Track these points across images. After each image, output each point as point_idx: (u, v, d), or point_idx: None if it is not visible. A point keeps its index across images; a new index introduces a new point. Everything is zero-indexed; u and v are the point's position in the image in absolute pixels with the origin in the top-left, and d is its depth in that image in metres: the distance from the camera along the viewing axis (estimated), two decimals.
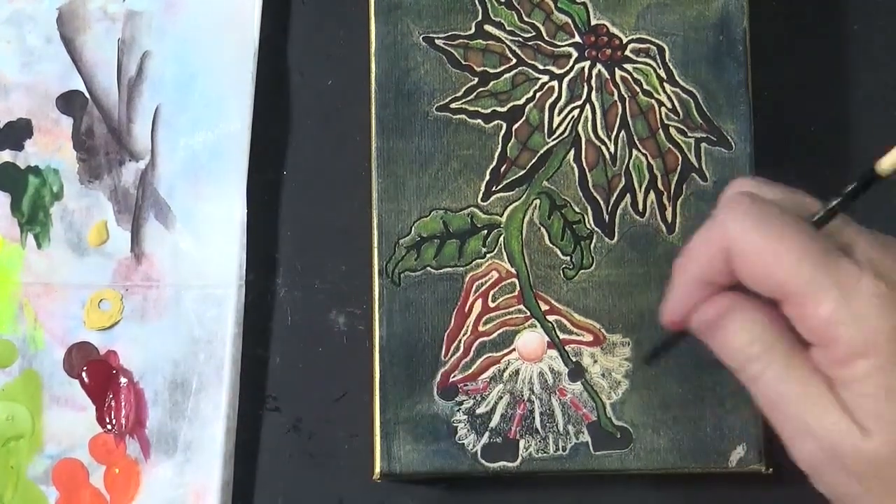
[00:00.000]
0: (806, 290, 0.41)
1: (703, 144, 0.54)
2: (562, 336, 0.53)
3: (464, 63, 0.54)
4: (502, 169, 0.53)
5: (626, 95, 0.54)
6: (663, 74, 0.54)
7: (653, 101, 0.54)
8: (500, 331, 0.53)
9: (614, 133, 0.54)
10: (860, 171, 0.43)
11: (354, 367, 0.55)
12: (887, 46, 0.58)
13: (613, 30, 0.54)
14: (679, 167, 0.54)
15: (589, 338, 0.53)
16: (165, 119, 0.57)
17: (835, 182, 0.57)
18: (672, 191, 0.53)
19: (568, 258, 0.53)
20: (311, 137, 0.57)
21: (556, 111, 0.54)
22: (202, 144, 0.56)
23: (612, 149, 0.54)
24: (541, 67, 0.54)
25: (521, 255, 0.53)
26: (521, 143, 0.54)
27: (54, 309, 0.56)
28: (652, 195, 0.53)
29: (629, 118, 0.54)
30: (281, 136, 0.57)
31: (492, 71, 0.54)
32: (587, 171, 0.54)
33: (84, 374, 0.55)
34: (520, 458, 0.52)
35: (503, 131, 0.54)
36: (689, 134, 0.54)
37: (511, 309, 0.53)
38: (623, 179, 0.54)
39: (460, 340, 0.53)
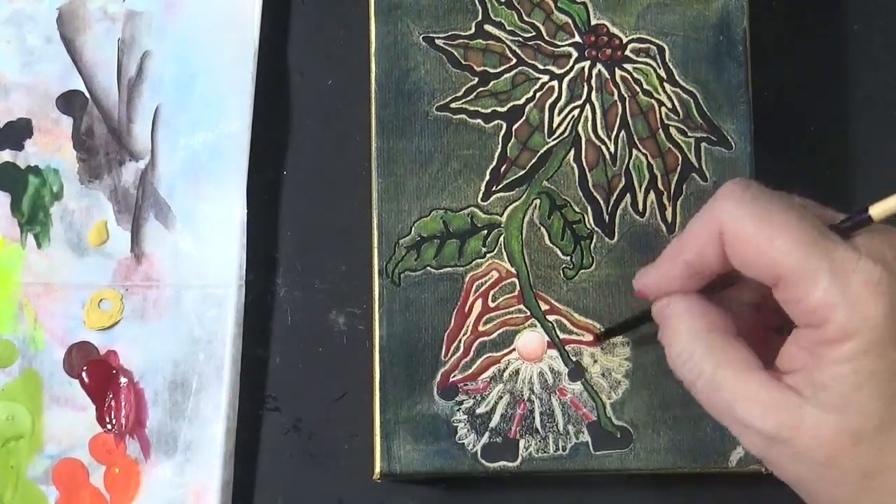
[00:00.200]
0: (800, 272, 0.41)
1: (703, 144, 0.54)
2: (562, 336, 0.53)
3: (464, 63, 0.54)
4: (502, 169, 0.53)
5: (626, 95, 0.54)
6: (663, 74, 0.54)
7: (653, 100, 0.54)
8: (500, 331, 0.53)
9: (614, 133, 0.54)
10: (855, 209, 0.43)
11: (354, 367, 0.55)
12: (887, 46, 0.58)
13: (613, 30, 0.54)
14: (679, 167, 0.54)
15: (589, 338, 0.53)
16: (165, 119, 0.57)
17: (835, 182, 0.57)
18: (672, 191, 0.53)
19: (568, 258, 0.53)
20: (311, 137, 0.57)
21: (556, 111, 0.54)
22: (202, 144, 0.56)
23: (612, 149, 0.54)
24: (541, 67, 0.54)
25: (521, 255, 0.53)
26: (521, 143, 0.54)
27: (54, 309, 0.56)
28: (652, 195, 0.53)
29: (629, 118, 0.54)
30: (281, 136, 0.57)
31: (492, 71, 0.54)
32: (587, 170, 0.54)
33: (84, 374, 0.55)
34: (520, 458, 0.52)
35: (503, 131, 0.54)
36: (689, 134, 0.54)
37: (511, 309, 0.53)
38: (623, 179, 0.54)
39: (460, 340, 0.53)
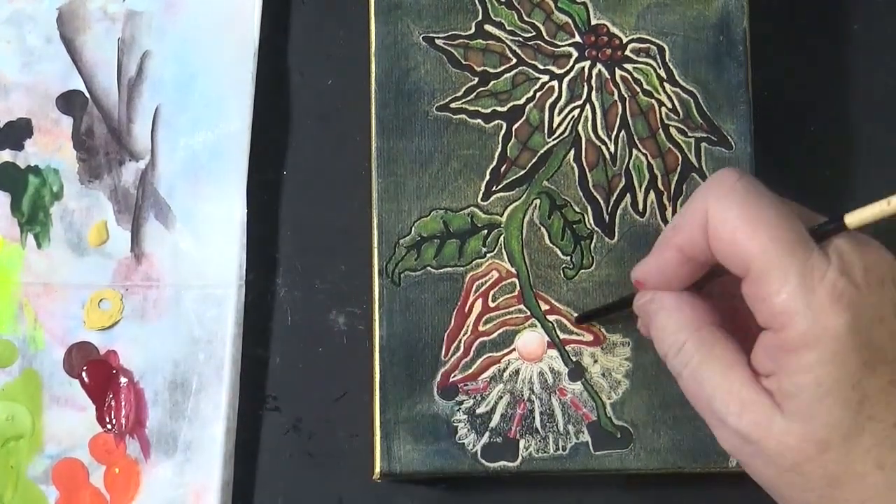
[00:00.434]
0: (770, 271, 0.42)
1: (704, 144, 0.54)
2: (562, 336, 0.53)
3: (464, 63, 0.54)
4: (502, 169, 0.53)
5: (626, 95, 0.54)
6: (663, 74, 0.54)
7: (653, 100, 0.54)
8: (501, 331, 0.53)
9: (614, 133, 0.54)
10: (832, 215, 0.43)
11: (354, 367, 0.55)
12: (887, 46, 0.58)
13: (613, 30, 0.54)
14: (679, 167, 0.54)
15: (589, 337, 0.53)
16: (165, 119, 0.57)
17: (834, 182, 0.57)
18: (672, 191, 0.53)
19: (568, 258, 0.53)
20: (311, 137, 0.57)
21: (557, 111, 0.54)
22: (202, 144, 0.56)
23: (612, 149, 0.54)
24: (541, 67, 0.54)
25: (521, 255, 0.53)
26: (521, 143, 0.54)
27: (54, 309, 0.56)
28: (652, 195, 0.53)
29: (629, 118, 0.54)
30: (281, 136, 0.57)
31: (492, 71, 0.54)
32: (587, 170, 0.54)
33: (84, 374, 0.55)
34: (520, 458, 0.52)
35: (503, 131, 0.54)
36: (690, 134, 0.54)
37: (511, 309, 0.53)
38: (623, 179, 0.54)
39: (460, 340, 0.53)
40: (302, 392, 0.56)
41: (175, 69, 0.57)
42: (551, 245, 0.53)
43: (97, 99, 0.57)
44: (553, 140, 0.54)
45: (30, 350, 0.55)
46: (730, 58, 0.54)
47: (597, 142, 0.54)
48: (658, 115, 0.54)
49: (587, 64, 0.54)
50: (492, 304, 0.53)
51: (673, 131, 0.54)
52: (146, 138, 0.57)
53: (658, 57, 0.54)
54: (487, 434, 0.52)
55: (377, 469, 0.52)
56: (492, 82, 0.54)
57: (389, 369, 0.52)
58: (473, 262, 0.53)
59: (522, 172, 0.54)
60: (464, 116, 0.54)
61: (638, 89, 0.54)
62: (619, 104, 0.54)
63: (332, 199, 0.57)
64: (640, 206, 0.53)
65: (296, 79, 0.58)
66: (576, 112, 0.54)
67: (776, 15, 0.58)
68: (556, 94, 0.54)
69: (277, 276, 0.57)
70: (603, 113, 0.54)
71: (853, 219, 0.42)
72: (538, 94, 0.54)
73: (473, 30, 0.54)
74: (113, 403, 0.55)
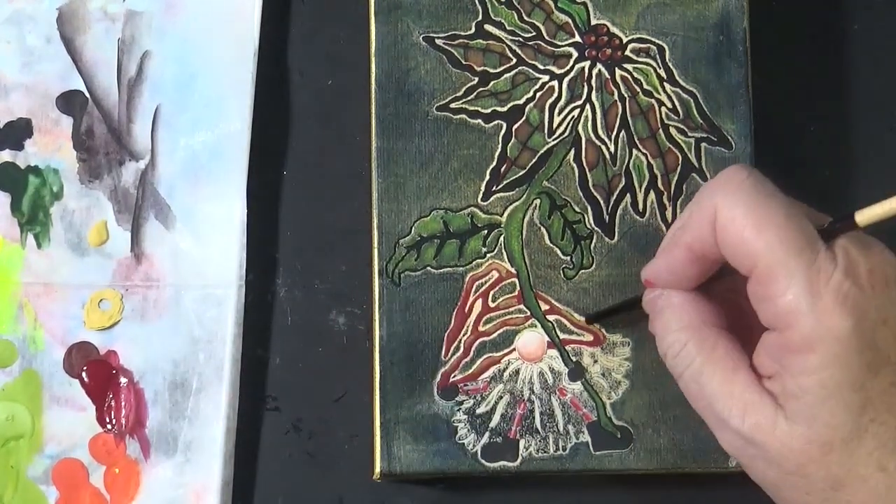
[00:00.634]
0: (776, 271, 0.41)
1: (704, 144, 0.54)
2: (562, 336, 0.53)
3: (464, 63, 0.54)
4: (502, 169, 0.53)
5: (626, 95, 0.54)
6: (663, 74, 0.54)
7: (653, 100, 0.54)
8: (501, 331, 0.53)
9: (614, 133, 0.54)
10: (842, 213, 0.43)
11: (354, 367, 0.55)
12: (887, 46, 0.58)
13: (613, 30, 0.54)
14: (679, 167, 0.54)
15: (589, 338, 0.53)
16: (165, 119, 0.57)
17: (835, 182, 0.57)
18: (672, 191, 0.53)
19: (568, 258, 0.53)
20: (311, 137, 0.57)
21: (557, 111, 0.54)
22: (202, 144, 0.56)
23: (612, 149, 0.54)
24: (541, 67, 0.54)
25: (521, 255, 0.53)
26: (521, 143, 0.54)
27: (54, 309, 0.56)
28: (652, 195, 0.53)
29: (629, 118, 0.54)
30: (281, 136, 0.57)
31: (492, 71, 0.54)
32: (587, 170, 0.54)
33: (84, 374, 0.55)
34: (520, 458, 0.52)
35: (503, 131, 0.54)
36: (690, 134, 0.54)
37: (511, 309, 0.53)
38: (623, 179, 0.54)
39: (460, 340, 0.53)
40: (302, 392, 0.56)
41: (175, 69, 0.57)
42: (551, 245, 0.53)
43: (97, 99, 0.57)
44: (553, 140, 0.54)
45: (30, 350, 0.55)
46: (730, 58, 0.54)
47: (597, 142, 0.54)
48: (658, 115, 0.54)
49: (587, 64, 0.54)
50: (492, 304, 0.53)
51: (673, 131, 0.54)
52: (146, 138, 0.57)
53: (658, 57, 0.54)
54: (487, 434, 0.52)
55: (377, 469, 0.52)
56: (492, 82, 0.54)
57: (389, 369, 0.52)
58: (473, 262, 0.53)
59: (522, 172, 0.54)
60: (464, 116, 0.54)
61: (638, 89, 0.54)
62: (619, 104, 0.54)
63: (332, 199, 0.57)
64: (640, 206, 0.53)
65: (296, 79, 0.58)
66: (576, 112, 0.54)
67: (776, 15, 0.58)
68: (556, 94, 0.54)
69: (277, 276, 0.57)
70: (603, 113, 0.54)
71: (863, 217, 0.42)
72: (538, 94, 0.54)
73: (473, 30, 0.54)
74: (113, 403, 0.55)
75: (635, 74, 0.54)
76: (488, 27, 0.54)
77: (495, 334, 0.53)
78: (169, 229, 0.56)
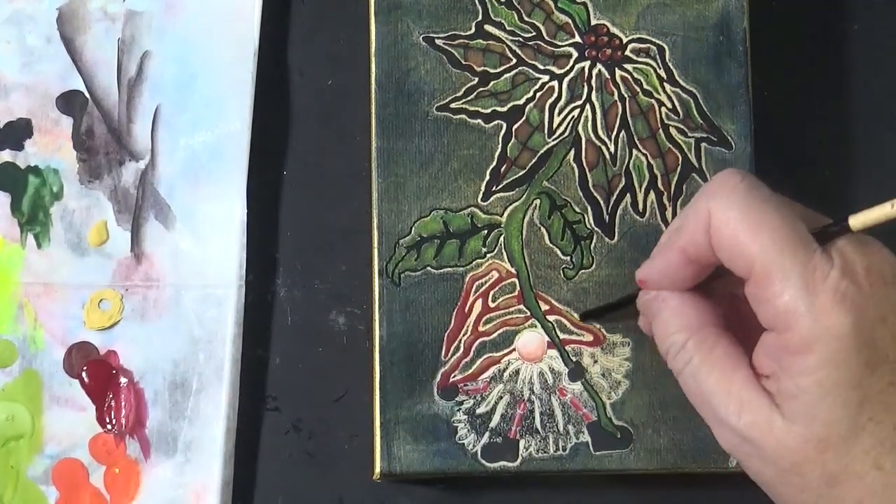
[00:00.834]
0: (772, 273, 0.42)
1: (703, 144, 0.54)
2: (562, 336, 0.53)
3: (464, 63, 0.54)
4: (502, 169, 0.53)
5: (626, 95, 0.54)
6: (663, 74, 0.54)
7: (653, 101, 0.54)
8: (501, 331, 0.53)
9: (614, 133, 0.54)
10: (836, 218, 0.43)
11: (354, 367, 0.55)
12: (887, 46, 0.58)
13: (613, 30, 0.54)
14: (679, 167, 0.54)
15: (589, 338, 0.53)
16: (165, 119, 0.57)
17: (835, 182, 0.57)
18: (672, 191, 0.53)
19: (568, 258, 0.53)
20: (311, 137, 0.57)
21: (557, 111, 0.54)
22: (202, 144, 0.56)
23: (612, 149, 0.54)
24: (541, 67, 0.54)
25: (521, 255, 0.53)
26: (521, 143, 0.54)
27: (54, 309, 0.56)
28: (652, 195, 0.53)
29: (629, 118, 0.54)
30: (281, 136, 0.57)
31: (492, 71, 0.54)
32: (587, 171, 0.54)
33: (84, 374, 0.55)
34: (520, 458, 0.52)
35: (503, 131, 0.54)
36: (690, 134, 0.54)
37: (511, 309, 0.53)
38: (623, 179, 0.54)
39: (460, 340, 0.53)
40: (302, 392, 0.56)
41: (175, 69, 0.57)
42: (551, 245, 0.53)
43: (97, 99, 0.57)
44: (553, 140, 0.54)
45: (30, 350, 0.55)
46: (730, 58, 0.54)
47: (597, 142, 0.54)
48: (658, 116, 0.54)
49: (587, 64, 0.54)
50: (492, 305, 0.53)
51: (673, 131, 0.54)
52: (146, 138, 0.57)
53: (658, 57, 0.54)
54: (487, 434, 0.52)
55: (377, 469, 0.52)
56: (492, 82, 0.54)
57: (389, 369, 0.52)
58: (473, 263, 0.53)
59: (522, 172, 0.54)
60: (464, 116, 0.54)
61: (638, 89, 0.54)
62: (619, 104, 0.54)
63: (332, 199, 0.57)
64: (640, 207, 0.53)
65: (296, 79, 0.58)
66: (576, 112, 0.54)
67: (776, 15, 0.58)
68: (556, 95, 0.54)
69: (277, 276, 0.57)
70: (603, 113, 0.54)
71: (857, 221, 0.42)
72: (538, 94, 0.54)
73: (473, 30, 0.54)
74: (113, 403, 0.55)
75: (635, 74, 0.54)
76: (488, 27, 0.54)
77: (495, 334, 0.53)
78: (169, 229, 0.56)
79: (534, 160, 0.54)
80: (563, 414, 0.52)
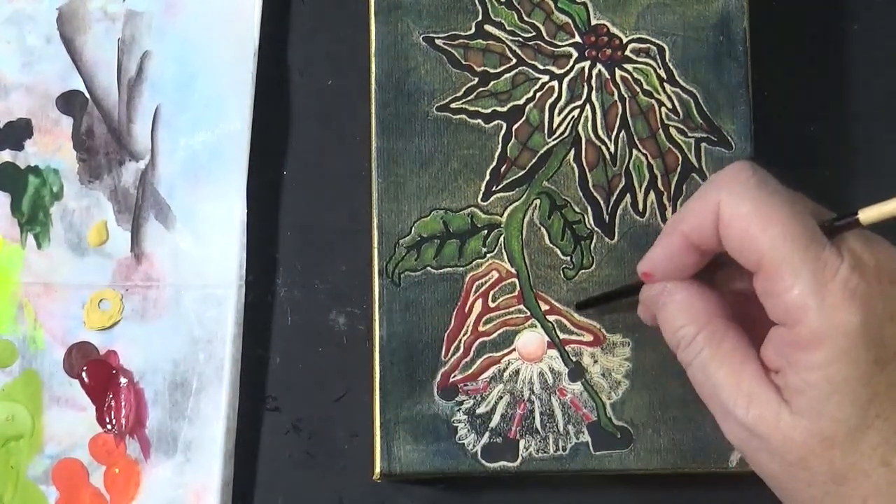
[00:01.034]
0: (782, 267, 0.42)
1: (704, 144, 0.54)
2: (562, 336, 0.53)
3: (464, 63, 0.54)
4: (502, 169, 0.53)
5: (626, 95, 0.54)
6: (663, 74, 0.54)
7: (653, 101, 0.54)
8: (501, 331, 0.53)
9: (614, 133, 0.54)
10: (843, 212, 0.43)
11: (354, 367, 0.55)
12: (887, 46, 0.58)
13: (613, 30, 0.54)
14: (679, 167, 0.54)
15: (589, 338, 0.53)
16: (165, 119, 0.57)
17: (835, 182, 0.57)
18: (672, 191, 0.53)
19: (568, 258, 0.53)
20: (311, 137, 0.57)
21: (557, 111, 0.54)
22: (202, 144, 0.56)
23: (612, 149, 0.54)
24: (541, 67, 0.54)
25: (521, 255, 0.53)
26: (521, 143, 0.54)
27: (54, 309, 0.56)
28: (652, 195, 0.53)
29: (629, 118, 0.54)
30: (281, 136, 0.57)
31: (492, 71, 0.54)
32: (587, 171, 0.54)
33: (84, 374, 0.55)
34: (520, 458, 0.52)
35: (503, 131, 0.54)
36: (690, 134, 0.54)
37: (511, 309, 0.53)
38: (623, 179, 0.54)
39: (460, 340, 0.53)
40: (302, 392, 0.56)
41: (175, 69, 0.57)
42: (551, 245, 0.53)
43: (97, 99, 0.57)
44: (553, 140, 0.54)
45: (30, 350, 0.55)
46: (730, 58, 0.54)
47: (597, 142, 0.54)
48: (658, 116, 0.54)
49: (587, 64, 0.54)
50: (492, 305, 0.53)
51: (673, 131, 0.54)
52: (146, 138, 0.57)
53: (658, 57, 0.54)
54: (487, 434, 0.52)
55: (377, 469, 0.52)
56: (492, 82, 0.54)
57: (389, 369, 0.52)
58: (473, 263, 0.53)
59: (522, 172, 0.54)
60: (464, 116, 0.54)
61: (638, 89, 0.54)
62: (619, 104, 0.54)
63: (332, 199, 0.57)
64: (640, 207, 0.53)
65: (296, 79, 0.58)
66: (576, 112, 0.54)
67: (776, 15, 0.58)
68: (556, 95, 0.54)
69: (277, 276, 0.57)
70: (603, 113, 0.54)
71: (867, 215, 0.42)
72: (538, 94, 0.54)
73: (473, 30, 0.54)
74: (113, 403, 0.55)
75: (635, 75, 0.54)
76: (488, 27, 0.54)
77: (495, 334, 0.53)
78: (169, 229, 0.56)
79: (534, 160, 0.54)
80: (563, 414, 0.52)
